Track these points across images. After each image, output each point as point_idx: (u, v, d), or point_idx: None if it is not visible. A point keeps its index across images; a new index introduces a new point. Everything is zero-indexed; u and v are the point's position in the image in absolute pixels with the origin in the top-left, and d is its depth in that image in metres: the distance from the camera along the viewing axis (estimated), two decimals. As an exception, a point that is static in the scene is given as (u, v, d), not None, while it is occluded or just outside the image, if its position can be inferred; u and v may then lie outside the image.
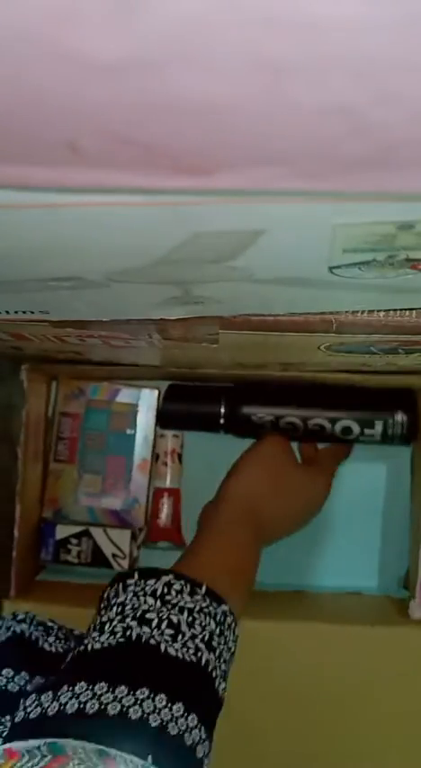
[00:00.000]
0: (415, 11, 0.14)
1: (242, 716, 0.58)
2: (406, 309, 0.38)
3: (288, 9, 0.14)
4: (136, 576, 0.47)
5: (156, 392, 0.67)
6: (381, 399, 0.65)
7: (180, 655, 0.42)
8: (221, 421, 0.65)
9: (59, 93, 0.17)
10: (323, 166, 0.20)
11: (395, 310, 0.38)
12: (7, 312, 0.39)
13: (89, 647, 0.42)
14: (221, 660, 0.44)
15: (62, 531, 0.66)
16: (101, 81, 0.16)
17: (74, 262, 0.30)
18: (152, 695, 0.38)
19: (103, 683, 0.38)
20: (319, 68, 0.16)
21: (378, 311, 0.38)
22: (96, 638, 0.43)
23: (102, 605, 0.47)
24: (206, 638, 0.44)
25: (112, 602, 0.46)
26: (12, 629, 0.47)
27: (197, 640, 0.43)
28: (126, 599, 0.45)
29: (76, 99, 0.17)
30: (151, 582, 0.46)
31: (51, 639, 0.48)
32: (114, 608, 0.45)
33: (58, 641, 0.48)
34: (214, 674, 0.43)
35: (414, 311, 0.38)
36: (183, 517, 0.69)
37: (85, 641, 0.43)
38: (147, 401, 0.67)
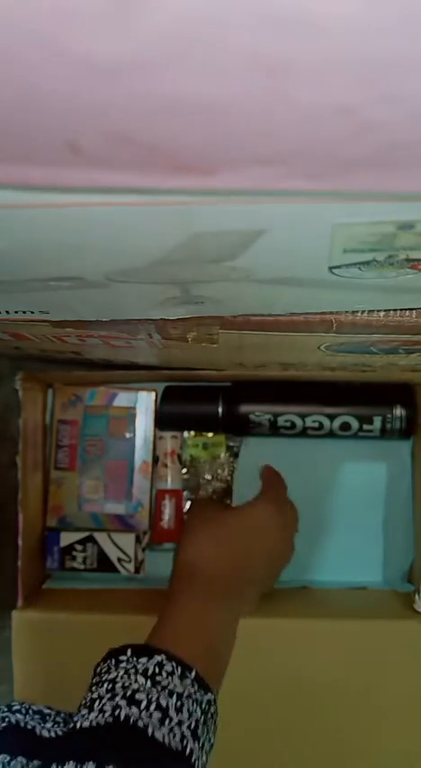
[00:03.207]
0: (415, 11, 0.14)
1: (247, 714, 0.58)
2: (406, 309, 0.38)
3: (288, 9, 0.14)
4: (128, 652, 0.47)
5: (153, 394, 0.67)
6: (380, 394, 0.65)
7: (166, 741, 0.42)
8: (220, 420, 0.65)
9: (59, 92, 0.17)
10: (323, 166, 0.20)
11: (395, 310, 0.38)
12: (7, 312, 0.39)
13: (78, 724, 0.42)
14: (203, 751, 0.44)
15: (66, 539, 0.66)
16: (101, 80, 0.16)
17: (74, 262, 0.30)
18: None
19: (90, 763, 0.38)
20: (319, 68, 0.16)
21: (378, 311, 0.38)
22: (85, 716, 0.43)
23: (93, 680, 0.47)
24: (192, 725, 0.43)
25: (104, 677, 0.46)
26: (7, 719, 0.47)
27: (183, 727, 0.43)
28: (117, 676, 0.45)
29: (75, 99, 0.17)
30: (143, 660, 0.46)
31: (49, 725, 0.48)
32: (105, 685, 0.45)
33: (56, 725, 0.48)
34: (196, 765, 0.42)
35: (414, 311, 0.38)
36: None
37: (75, 719, 0.43)
38: (144, 403, 0.67)
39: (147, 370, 0.61)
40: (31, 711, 0.48)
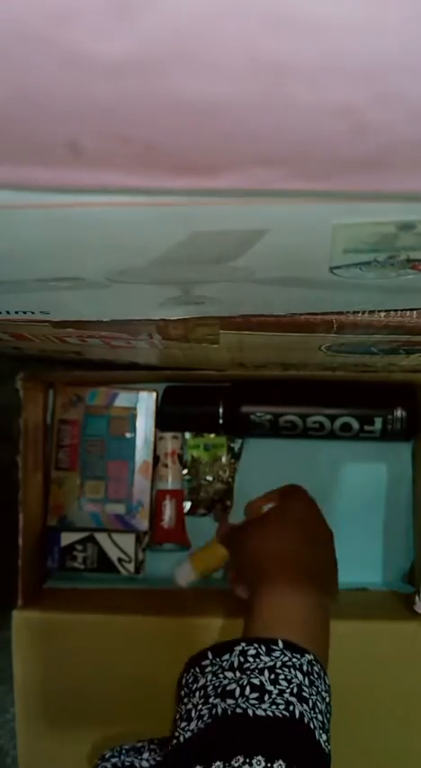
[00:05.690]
0: (414, 11, 0.14)
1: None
2: (406, 310, 0.38)
3: (288, 9, 0.14)
4: (210, 655, 0.47)
5: (154, 394, 0.67)
6: (381, 395, 0.65)
7: (270, 713, 0.41)
8: (220, 421, 0.65)
9: (60, 93, 0.17)
10: (323, 166, 0.20)
11: (395, 311, 0.38)
12: (8, 312, 0.39)
13: (180, 738, 0.42)
14: (316, 711, 0.43)
15: (67, 538, 0.66)
16: (101, 81, 0.16)
17: (74, 262, 0.30)
18: (248, 760, 0.38)
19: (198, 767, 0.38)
20: (319, 68, 0.16)
21: (378, 311, 0.38)
22: (185, 728, 0.43)
23: (182, 693, 0.47)
24: (295, 690, 0.43)
25: (193, 687, 0.46)
26: None
27: (286, 695, 0.42)
28: (206, 681, 0.45)
29: (76, 99, 0.17)
30: (226, 657, 0.45)
31: (146, 756, 0.48)
32: (197, 693, 0.45)
33: (152, 753, 0.48)
34: (312, 726, 0.42)
35: (414, 311, 0.38)
36: (187, 518, 0.69)
37: (176, 734, 0.43)
38: (145, 404, 0.67)
39: (148, 371, 0.61)
40: (124, 751, 0.49)
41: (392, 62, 0.15)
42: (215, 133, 0.18)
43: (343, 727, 0.58)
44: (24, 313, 0.39)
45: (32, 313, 0.39)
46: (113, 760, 0.48)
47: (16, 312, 0.39)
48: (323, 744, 0.42)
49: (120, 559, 0.66)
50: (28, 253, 0.29)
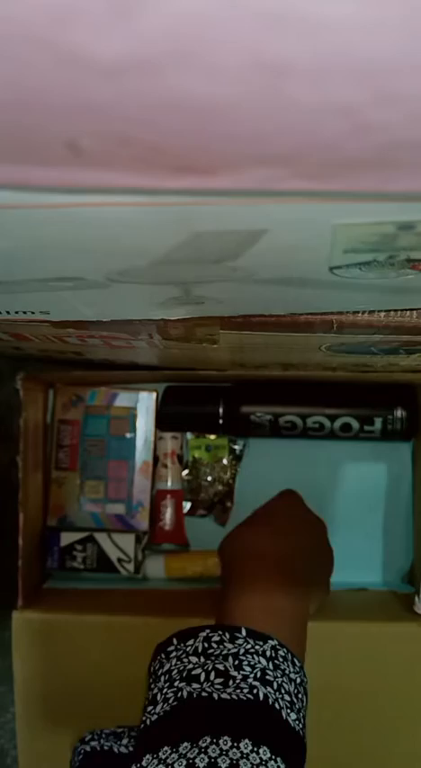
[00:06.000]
0: (415, 10, 0.14)
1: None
2: (406, 310, 0.38)
3: (288, 9, 0.14)
4: (174, 641, 0.47)
5: (154, 394, 0.67)
6: (381, 395, 0.65)
7: (234, 696, 0.42)
8: (220, 421, 0.65)
9: (59, 93, 0.17)
10: (323, 166, 0.20)
11: (396, 311, 0.38)
12: (7, 312, 0.39)
13: (147, 721, 0.43)
14: (283, 692, 0.44)
15: (66, 538, 0.66)
16: (101, 80, 0.16)
17: (74, 262, 0.30)
18: (215, 740, 0.38)
19: (165, 748, 0.39)
20: (320, 68, 0.16)
21: (378, 311, 0.38)
22: (151, 711, 0.43)
23: (150, 680, 0.48)
24: (258, 675, 0.43)
25: (159, 673, 0.46)
26: (82, 752, 0.48)
27: (249, 679, 0.43)
28: (171, 666, 0.46)
29: (75, 99, 0.17)
30: (190, 642, 0.46)
31: (124, 742, 0.49)
32: (162, 678, 0.45)
33: (131, 740, 0.49)
34: (277, 706, 0.42)
35: (414, 311, 0.38)
36: (186, 518, 0.69)
37: (143, 718, 0.44)
38: (145, 404, 0.67)
39: (148, 371, 0.61)
40: (104, 735, 0.49)
41: (392, 62, 0.15)
42: (215, 133, 0.18)
43: (342, 728, 0.58)
44: (24, 313, 0.39)
45: (32, 313, 0.39)
46: (93, 743, 0.49)
47: (16, 312, 0.39)
48: (292, 722, 0.43)
49: (119, 559, 0.66)
50: (28, 253, 0.29)
